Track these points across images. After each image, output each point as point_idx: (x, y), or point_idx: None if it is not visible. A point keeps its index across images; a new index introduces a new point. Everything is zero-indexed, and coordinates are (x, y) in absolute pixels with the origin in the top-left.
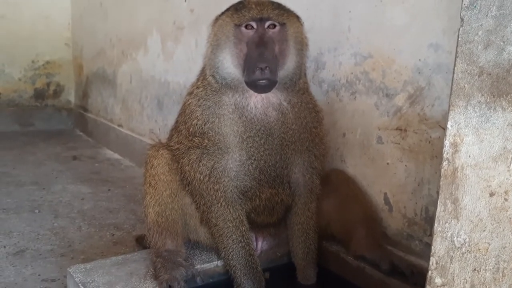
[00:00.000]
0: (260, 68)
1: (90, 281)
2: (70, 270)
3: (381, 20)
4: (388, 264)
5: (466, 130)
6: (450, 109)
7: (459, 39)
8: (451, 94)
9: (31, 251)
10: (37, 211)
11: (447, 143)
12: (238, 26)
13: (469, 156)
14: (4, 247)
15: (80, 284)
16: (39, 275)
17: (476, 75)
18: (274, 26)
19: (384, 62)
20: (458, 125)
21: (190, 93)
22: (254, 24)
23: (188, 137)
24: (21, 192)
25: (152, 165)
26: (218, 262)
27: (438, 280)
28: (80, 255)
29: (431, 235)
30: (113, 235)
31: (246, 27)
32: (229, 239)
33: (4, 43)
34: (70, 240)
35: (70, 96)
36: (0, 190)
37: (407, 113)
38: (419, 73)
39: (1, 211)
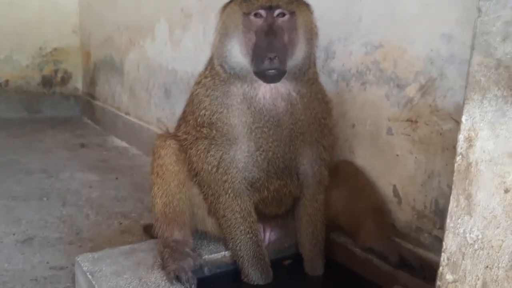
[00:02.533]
0: (269, 58)
1: (98, 270)
2: (78, 259)
3: (392, 10)
4: (397, 256)
5: (481, 125)
6: (465, 102)
7: (476, 30)
8: (466, 87)
9: (40, 239)
10: (45, 199)
11: (461, 137)
12: (246, 14)
13: (484, 151)
14: (13, 234)
15: (88, 273)
16: (47, 262)
17: (493, 68)
18: (284, 14)
19: (396, 52)
20: (473, 119)
21: (198, 83)
22: (263, 13)
23: (196, 128)
24: (29, 180)
25: (160, 155)
26: (226, 252)
27: (449, 277)
28: (88, 243)
29: (440, 228)
30: (121, 223)
31: (255, 15)
32: (237, 230)
33: (12, 30)
34: (78, 228)
35: (78, 83)
36: (9, 178)
37: (418, 104)
38: (431, 63)
39: (10, 199)
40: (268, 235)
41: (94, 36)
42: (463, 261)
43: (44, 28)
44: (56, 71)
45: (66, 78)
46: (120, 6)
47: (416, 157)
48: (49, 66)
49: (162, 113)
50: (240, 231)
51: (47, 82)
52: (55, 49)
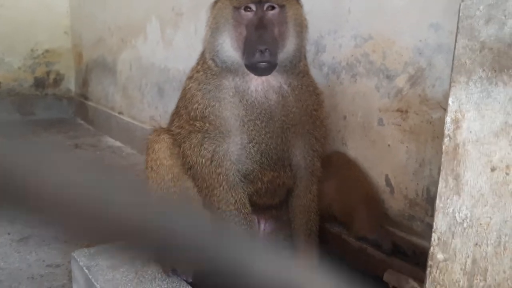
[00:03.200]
0: (259, 51)
1: (94, 265)
2: (74, 254)
3: (381, 1)
4: (390, 244)
5: (467, 106)
6: (451, 85)
7: (460, 14)
8: (452, 70)
9: (35, 238)
10: None
11: (448, 119)
12: (237, 8)
13: (471, 132)
14: (8, 234)
15: (84, 268)
16: (43, 261)
17: (477, 50)
18: (273, 8)
19: (385, 43)
20: (459, 101)
21: (190, 77)
22: (253, 6)
23: (189, 122)
24: None
25: (154, 150)
26: None
27: (440, 256)
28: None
29: (432, 215)
30: None
31: (245, 9)
32: (231, 222)
33: (3, 32)
34: None
35: (70, 84)
36: None
37: (408, 95)
38: (420, 54)
39: None
40: (263, 226)
41: (86, 37)
42: (453, 240)
43: (36, 29)
44: (48, 73)
45: (58, 80)
46: (111, 6)
47: (407, 147)
48: (41, 68)
49: (156, 111)
50: (235, 223)
51: (39, 83)
52: (47, 51)
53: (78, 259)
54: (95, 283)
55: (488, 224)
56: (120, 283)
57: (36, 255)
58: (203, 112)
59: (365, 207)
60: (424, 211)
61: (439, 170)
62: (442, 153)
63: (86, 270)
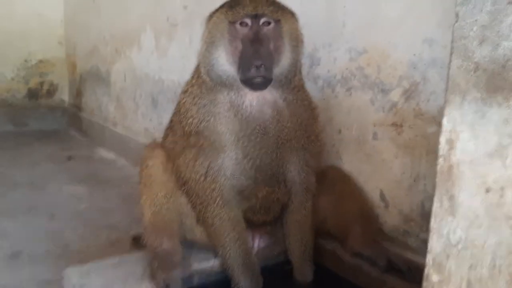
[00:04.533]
0: (255, 66)
1: (87, 283)
2: (66, 272)
3: (376, 15)
4: (385, 260)
5: (461, 127)
6: (446, 105)
7: (454, 34)
8: (446, 90)
9: (27, 253)
10: (32, 212)
11: (442, 139)
12: (232, 23)
13: (465, 153)
14: (0, 249)
15: (76, 286)
16: (35, 277)
17: (471, 71)
18: (269, 23)
19: (379, 57)
20: (453, 121)
21: (184, 92)
22: (248, 21)
23: (183, 137)
24: (16, 193)
25: (147, 165)
26: (215, 261)
27: (435, 277)
28: (76, 256)
29: (427, 231)
30: (110, 235)
31: (240, 24)
32: (226, 238)
33: None
34: (66, 242)
35: (64, 95)
36: None
37: (403, 109)
38: (414, 68)
39: None
40: (257, 243)
41: (80, 47)
42: (447, 262)
43: (29, 39)
44: (42, 83)
45: (52, 90)
46: (105, 16)
47: (401, 161)
48: (34, 79)
49: (150, 123)
50: (230, 239)
51: (33, 94)
52: (41, 61)
53: (70, 277)
54: None
55: (483, 246)
56: None
57: (28, 271)
58: (198, 127)
59: (359, 222)
60: (419, 226)
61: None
62: (437, 170)
63: None
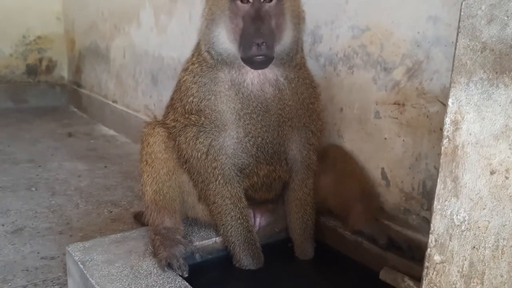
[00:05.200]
0: (256, 44)
1: (89, 260)
2: (69, 249)
3: None
4: (385, 238)
5: (467, 108)
6: (452, 86)
7: (462, 13)
8: (452, 70)
9: (29, 229)
10: (33, 189)
11: (447, 120)
12: (233, 0)
13: (470, 134)
14: (2, 225)
15: (79, 263)
16: (38, 253)
17: (478, 51)
18: (271, 0)
19: (382, 35)
20: (459, 102)
21: (185, 70)
22: None
23: (184, 115)
24: (17, 170)
25: (148, 143)
26: (217, 238)
27: (437, 258)
28: (78, 232)
29: (428, 209)
30: (111, 212)
31: (241, 1)
32: (227, 216)
33: None
34: (68, 218)
35: (63, 71)
36: None
37: (405, 87)
38: (418, 46)
39: None
40: (259, 220)
41: (78, 23)
42: (450, 242)
43: (27, 15)
44: (40, 60)
45: (51, 67)
46: None
47: (403, 140)
48: (33, 55)
49: (150, 100)
50: (231, 217)
51: (31, 71)
52: (39, 37)
53: (73, 254)
54: (90, 279)
55: (486, 228)
56: (116, 279)
57: (30, 247)
58: (199, 105)
59: (360, 200)
60: (420, 205)
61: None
62: (439, 148)
63: (81, 266)
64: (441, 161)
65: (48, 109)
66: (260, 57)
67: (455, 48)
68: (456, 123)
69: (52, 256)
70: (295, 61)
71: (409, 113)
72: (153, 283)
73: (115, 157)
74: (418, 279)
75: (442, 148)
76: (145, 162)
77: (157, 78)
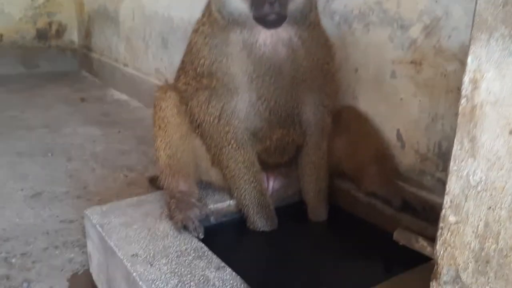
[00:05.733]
0: (269, 2)
1: (107, 223)
2: (87, 212)
3: None
4: (400, 200)
5: (487, 66)
6: (471, 43)
7: None
8: (472, 26)
9: (48, 194)
10: (50, 154)
11: (466, 79)
12: None
13: (490, 93)
14: (21, 190)
15: (97, 225)
16: (57, 216)
17: (500, 6)
18: None
19: None
20: (479, 60)
21: (195, 31)
22: None
23: (196, 78)
24: (32, 136)
25: (161, 108)
26: (231, 201)
27: (452, 218)
28: (95, 196)
29: (443, 170)
30: (127, 176)
31: None
32: (241, 180)
33: None
34: (85, 182)
35: (73, 35)
36: (11, 133)
37: (422, 46)
38: (436, 1)
39: (15, 155)
40: (272, 184)
41: None
42: (466, 203)
43: None
44: (50, 24)
45: (61, 31)
46: None
47: (420, 100)
48: (42, 19)
49: (161, 63)
50: (244, 181)
51: (42, 35)
52: (47, 0)
53: (91, 217)
54: (109, 241)
55: (503, 188)
56: (133, 241)
57: (49, 211)
58: (210, 68)
59: (375, 162)
60: (435, 166)
61: (452, 125)
62: (456, 108)
63: (100, 228)
64: (458, 121)
65: (60, 74)
66: (273, 15)
67: (476, 3)
68: (475, 82)
69: (71, 219)
70: (309, 19)
71: (426, 72)
72: (170, 244)
73: (128, 121)
74: (432, 239)
75: (460, 107)
76: (158, 127)
77: (167, 40)
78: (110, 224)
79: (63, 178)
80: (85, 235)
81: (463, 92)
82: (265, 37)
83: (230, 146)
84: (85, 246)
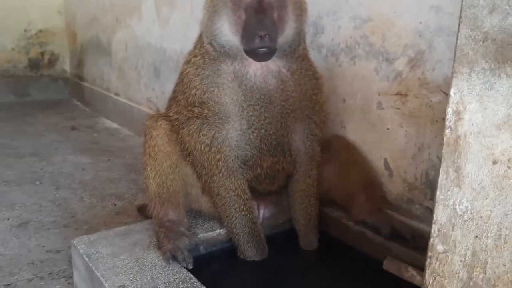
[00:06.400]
0: (259, 36)
1: (95, 252)
2: (74, 242)
3: None
4: (389, 228)
5: (469, 98)
6: (453, 76)
7: (463, 3)
8: (454, 60)
9: (34, 223)
10: (38, 182)
11: (450, 110)
12: None
13: (472, 124)
14: (8, 219)
15: (84, 256)
16: (43, 246)
17: (480, 41)
18: None
19: (384, 25)
20: (461, 92)
21: (187, 62)
22: None
23: (187, 107)
24: (21, 164)
25: (151, 136)
26: (221, 230)
27: (440, 247)
28: (83, 225)
29: (431, 199)
30: (115, 205)
31: None
32: (231, 208)
33: None
34: (73, 211)
35: (65, 65)
36: (0, 162)
37: (408, 78)
38: (420, 36)
39: (3, 184)
40: (263, 212)
41: (79, 16)
42: (453, 232)
43: (28, 9)
44: (42, 53)
45: (53, 60)
46: None
47: (406, 130)
48: (35, 49)
49: (152, 93)
50: (235, 209)
51: (34, 65)
52: (40, 31)
53: (78, 247)
54: (96, 272)
55: (489, 217)
56: (121, 271)
57: (35, 240)
58: (202, 97)
59: (364, 190)
60: (423, 194)
61: (438, 155)
62: (442, 138)
63: (87, 258)
64: (443, 151)
65: (51, 102)
66: (263, 49)
67: (457, 38)
68: (458, 113)
69: (58, 249)
70: (297, 52)
71: (411, 103)
72: (158, 275)
73: (119, 150)
74: (421, 268)
75: (445, 138)
76: (148, 155)
77: (160, 70)
78: (98, 254)
79: (50, 207)
80: (72, 265)
81: (447, 123)
82: (255, 68)
83: (221, 174)
84: (71, 277)
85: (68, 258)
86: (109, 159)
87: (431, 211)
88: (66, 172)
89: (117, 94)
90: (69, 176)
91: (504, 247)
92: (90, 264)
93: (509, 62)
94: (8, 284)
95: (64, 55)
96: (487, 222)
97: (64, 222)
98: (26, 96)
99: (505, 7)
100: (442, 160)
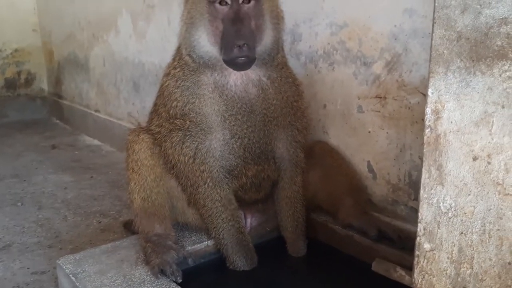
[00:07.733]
0: (238, 46)
1: (81, 271)
2: (59, 262)
3: None
4: (375, 230)
5: (446, 97)
6: (430, 76)
7: (436, 4)
8: (430, 60)
9: (18, 245)
10: (20, 204)
11: (428, 110)
12: (211, 2)
13: (451, 122)
14: None
15: (71, 275)
16: (28, 268)
17: (454, 41)
18: (249, 1)
19: (360, 30)
20: (438, 91)
21: (167, 74)
22: (228, 0)
23: (169, 120)
24: (1, 186)
25: (134, 151)
26: (209, 242)
27: (426, 246)
28: (68, 245)
29: (415, 199)
30: (100, 222)
31: (220, 3)
32: (218, 219)
33: None
34: (57, 231)
35: (43, 83)
36: None
37: (386, 81)
38: (395, 39)
39: None
40: (250, 221)
41: (55, 34)
42: (438, 230)
43: (2, 29)
44: (19, 73)
45: (30, 79)
46: (78, 1)
47: (387, 132)
48: (11, 68)
49: (133, 107)
50: (222, 220)
51: (10, 84)
52: (16, 50)
53: (64, 267)
54: None
55: (473, 213)
56: None
57: (20, 263)
58: (183, 109)
59: (349, 194)
60: (407, 195)
61: (420, 155)
62: (422, 138)
63: (73, 278)
64: (424, 150)
65: (30, 122)
66: (242, 58)
67: (432, 39)
68: (437, 113)
69: (43, 270)
70: (276, 60)
71: (391, 105)
72: None
73: (101, 167)
74: (410, 268)
75: (425, 137)
76: (131, 170)
77: (139, 84)
78: (84, 273)
79: (33, 228)
80: (58, 286)
81: (427, 123)
82: (235, 78)
83: (206, 185)
84: None
85: (54, 279)
86: (91, 176)
87: (416, 211)
88: (48, 192)
89: (97, 111)
90: (51, 196)
91: (489, 242)
92: (77, 284)
93: (483, 59)
94: None
95: (41, 73)
96: (471, 218)
97: (48, 242)
98: (3, 117)
99: (477, 7)
100: (424, 159)
